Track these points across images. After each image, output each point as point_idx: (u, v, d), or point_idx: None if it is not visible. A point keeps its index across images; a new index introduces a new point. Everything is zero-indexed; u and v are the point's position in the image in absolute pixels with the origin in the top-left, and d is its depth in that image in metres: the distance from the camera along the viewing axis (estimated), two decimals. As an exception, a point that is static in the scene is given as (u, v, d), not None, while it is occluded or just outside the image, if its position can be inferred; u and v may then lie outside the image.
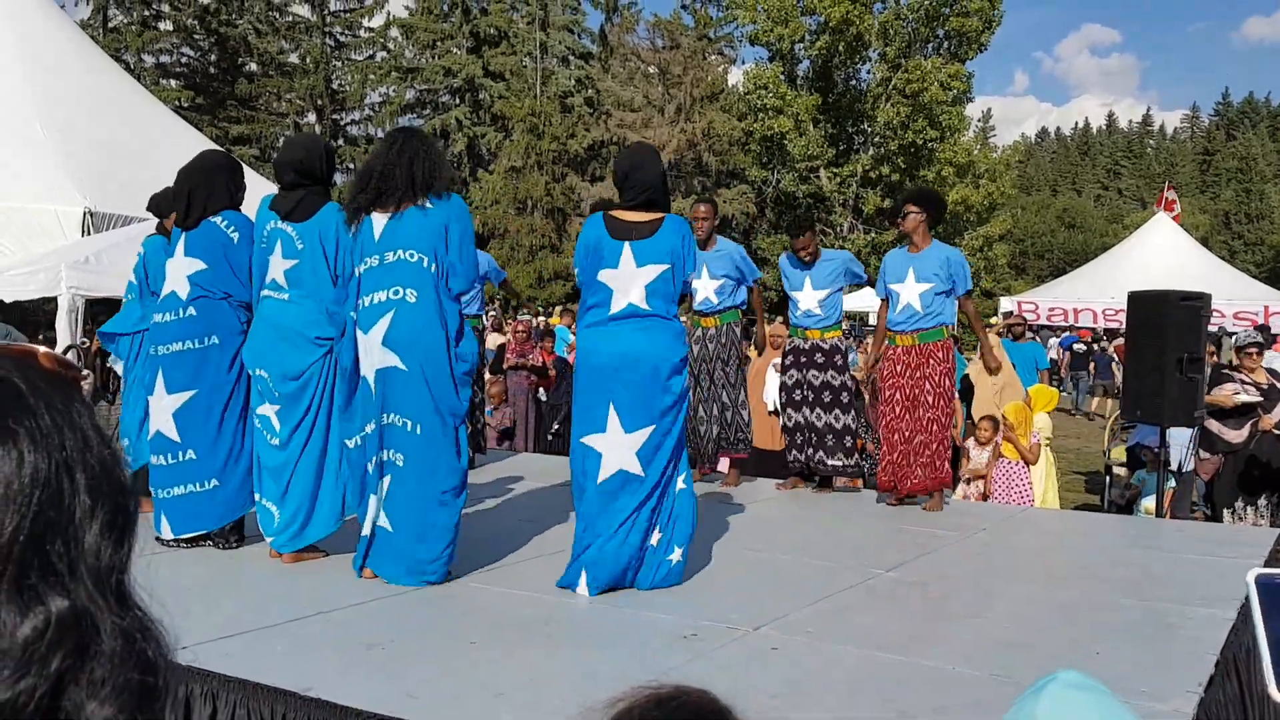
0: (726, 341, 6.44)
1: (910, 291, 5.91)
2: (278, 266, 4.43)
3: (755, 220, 37.43)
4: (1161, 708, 2.86)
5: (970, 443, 8.63)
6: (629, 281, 4.06)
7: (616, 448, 3.97)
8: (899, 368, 5.93)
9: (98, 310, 10.82)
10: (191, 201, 4.68)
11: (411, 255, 4.00)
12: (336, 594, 3.89)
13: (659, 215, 4.15)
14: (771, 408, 9.15)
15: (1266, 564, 4.61)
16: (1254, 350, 7.75)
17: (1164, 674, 3.14)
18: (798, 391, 6.47)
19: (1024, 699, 1.14)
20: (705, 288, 6.49)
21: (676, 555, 4.06)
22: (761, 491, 6.53)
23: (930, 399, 5.84)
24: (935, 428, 5.87)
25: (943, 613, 3.86)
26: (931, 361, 5.86)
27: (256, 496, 4.50)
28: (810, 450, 6.44)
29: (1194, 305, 6.39)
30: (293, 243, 4.41)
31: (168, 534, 4.57)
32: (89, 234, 11.48)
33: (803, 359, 6.48)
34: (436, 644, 3.37)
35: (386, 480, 4.04)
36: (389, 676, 3.06)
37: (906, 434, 5.87)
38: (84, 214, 11.63)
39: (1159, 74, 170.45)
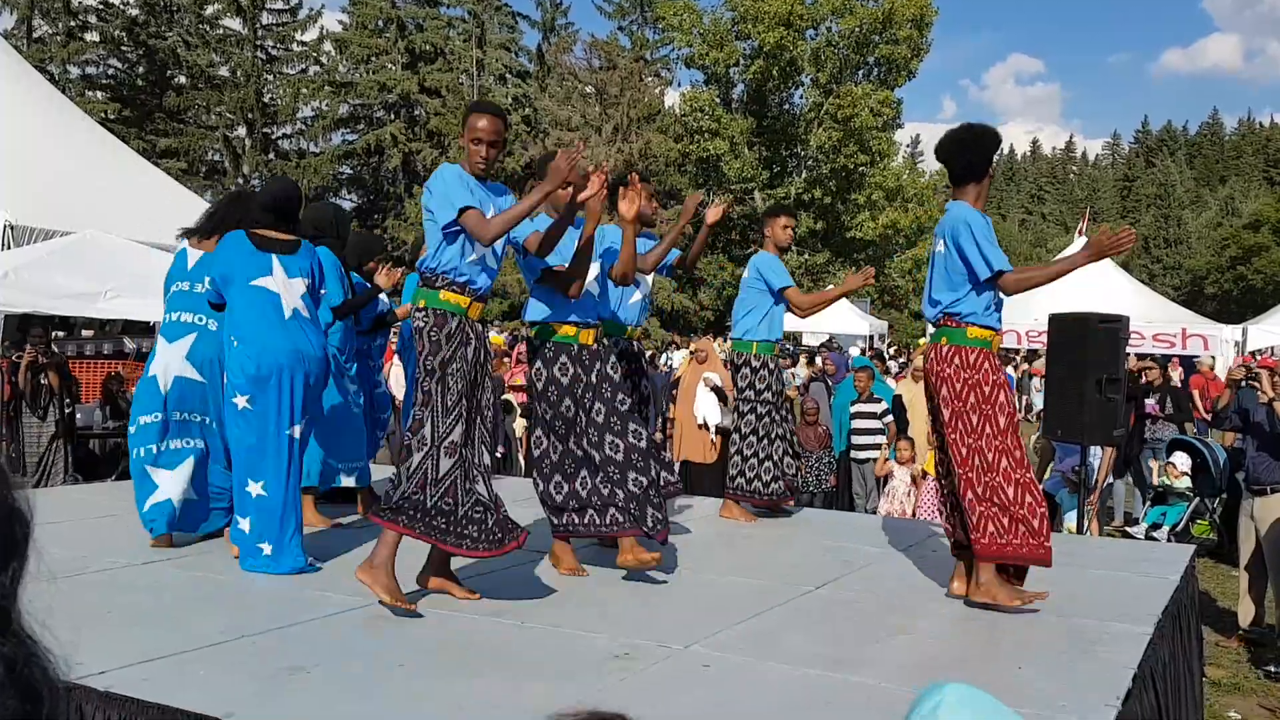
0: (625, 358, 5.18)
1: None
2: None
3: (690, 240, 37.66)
4: (1080, 721, 2.93)
5: (892, 464, 8.78)
6: (287, 289, 4.55)
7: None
8: (1003, 377, 4.14)
9: (21, 325, 10.51)
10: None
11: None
12: (260, 617, 3.81)
13: (295, 238, 4.70)
14: (700, 421, 9.22)
15: (1182, 579, 4.74)
16: None
17: (1083, 688, 3.21)
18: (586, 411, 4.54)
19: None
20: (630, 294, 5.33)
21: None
22: (691, 510, 6.54)
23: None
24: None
25: (871, 630, 3.91)
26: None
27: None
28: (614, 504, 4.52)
29: (1113, 327, 6.56)
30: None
31: None
32: (9, 248, 11.17)
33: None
34: (363, 668, 3.31)
35: (190, 461, 4.94)
36: (314, 701, 3.00)
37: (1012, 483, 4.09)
38: (4, 227, 11.32)
39: (1081, 102, 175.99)
